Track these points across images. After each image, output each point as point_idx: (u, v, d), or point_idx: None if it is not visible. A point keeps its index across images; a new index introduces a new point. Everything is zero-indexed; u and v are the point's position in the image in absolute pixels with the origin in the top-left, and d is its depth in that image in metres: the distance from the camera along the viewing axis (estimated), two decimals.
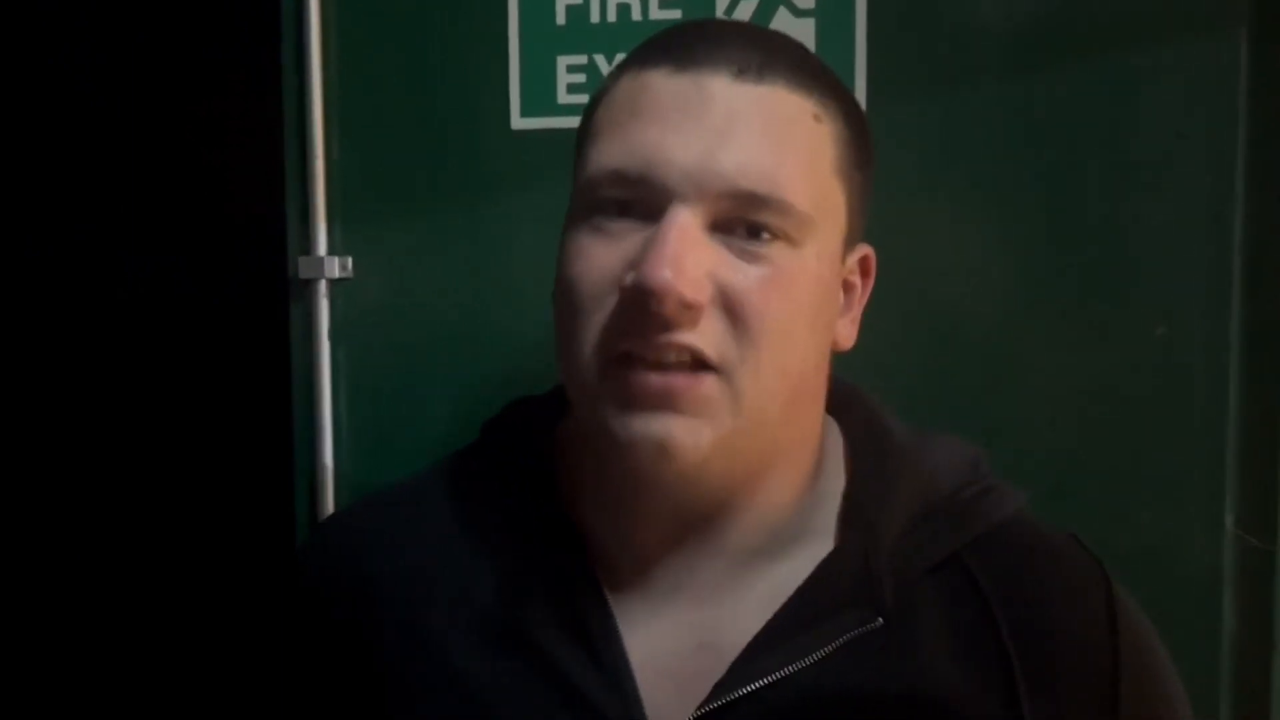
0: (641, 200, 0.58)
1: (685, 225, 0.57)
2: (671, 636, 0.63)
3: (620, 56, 0.97)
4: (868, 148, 0.66)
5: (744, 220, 0.58)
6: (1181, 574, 0.88)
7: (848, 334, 0.67)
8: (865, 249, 0.68)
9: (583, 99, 0.97)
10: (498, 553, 0.66)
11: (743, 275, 0.58)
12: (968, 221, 0.92)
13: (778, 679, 0.59)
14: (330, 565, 0.71)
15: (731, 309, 0.57)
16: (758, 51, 0.60)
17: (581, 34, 0.97)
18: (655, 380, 0.57)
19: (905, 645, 0.61)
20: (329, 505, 1.04)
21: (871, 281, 0.69)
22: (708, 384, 0.57)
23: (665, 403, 0.57)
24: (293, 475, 1.07)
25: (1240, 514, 0.88)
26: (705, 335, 0.57)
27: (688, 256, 0.56)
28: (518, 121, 0.99)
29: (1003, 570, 0.64)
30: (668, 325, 0.56)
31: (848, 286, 0.66)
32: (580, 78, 0.97)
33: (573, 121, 0.99)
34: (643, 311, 0.56)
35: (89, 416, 1.86)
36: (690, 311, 0.56)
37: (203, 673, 1.80)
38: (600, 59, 0.97)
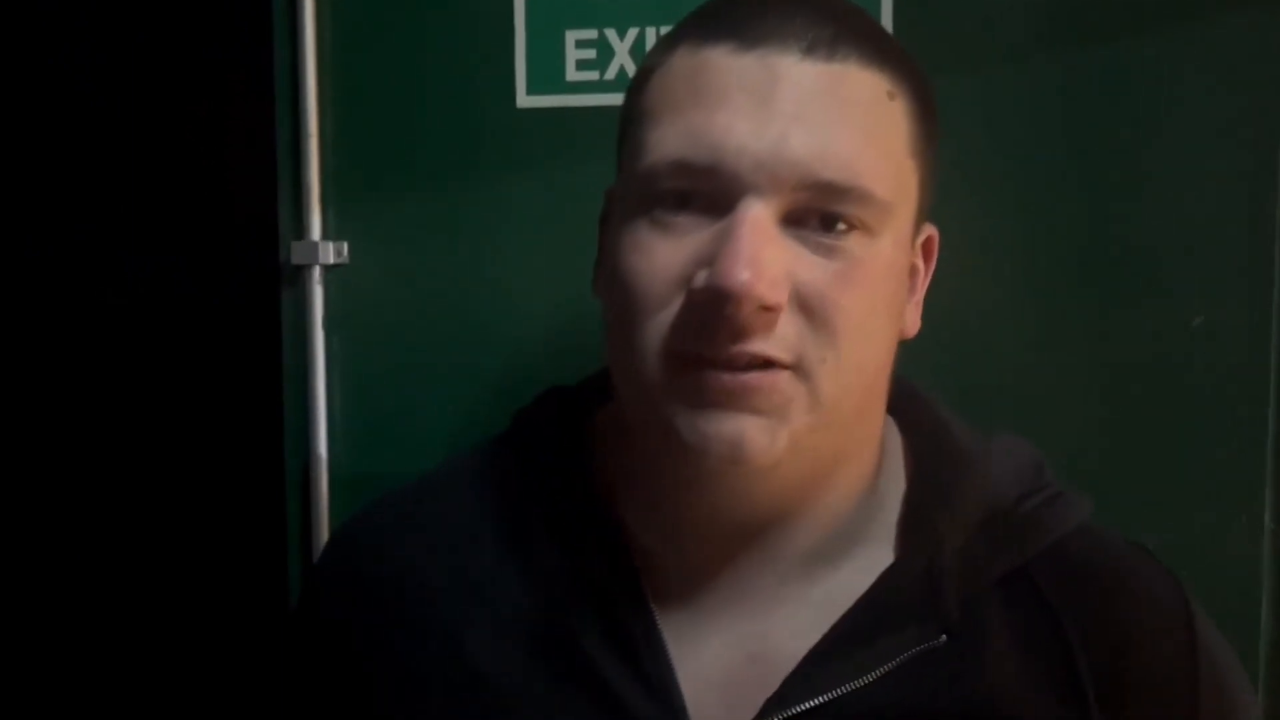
0: (708, 192, 0.54)
1: (759, 220, 0.53)
2: (720, 646, 0.59)
3: (633, 32, 0.96)
4: (936, 120, 0.62)
5: (820, 211, 0.54)
6: (1219, 571, 0.86)
7: (913, 320, 0.63)
8: (930, 230, 0.64)
9: (593, 76, 0.94)
10: (531, 553, 0.62)
11: (820, 271, 0.54)
12: (1002, 208, 0.89)
13: (833, 697, 0.56)
14: (353, 566, 0.68)
15: (808, 307, 0.54)
16: (827, 24, 0.56)
17: (591, 7, 0.93)
18: (728, 379, 0.53)
19: (970, 663, 0.57)
20: (322, 499, 1.01)
21: (934, 264, 0.65)
22: (784, 380, 0.54)
23: (739, 402, 0.53)
24: (284, 468, 1.03)
25: (1278, 510, 0.86)
26: (781, 340, 0.53)
27: (765, 255, 0.52)
28: (523, 99, 0.95)
29: (1071, 584, 0.61)
30: (742, 330, 0.52)
31: (912, 270, 0.63)
32: (590, 53, 0.93)
33: (582, 100, 0.97)
34: (716, 315, 0.52)
35: (79, 410, 1.85)
36: (768, 315, 0.53)
37: (190, 669, 1.78)
38: (611, 34, 0.93)
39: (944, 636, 0.57)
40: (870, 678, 0.56)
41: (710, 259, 0.53)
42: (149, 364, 1.82)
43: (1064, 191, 0.88)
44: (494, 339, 0.98)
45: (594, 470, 0.65)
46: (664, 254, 0.55)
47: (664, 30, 0.93)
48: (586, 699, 0.57)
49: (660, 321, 0.55)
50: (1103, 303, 0.88)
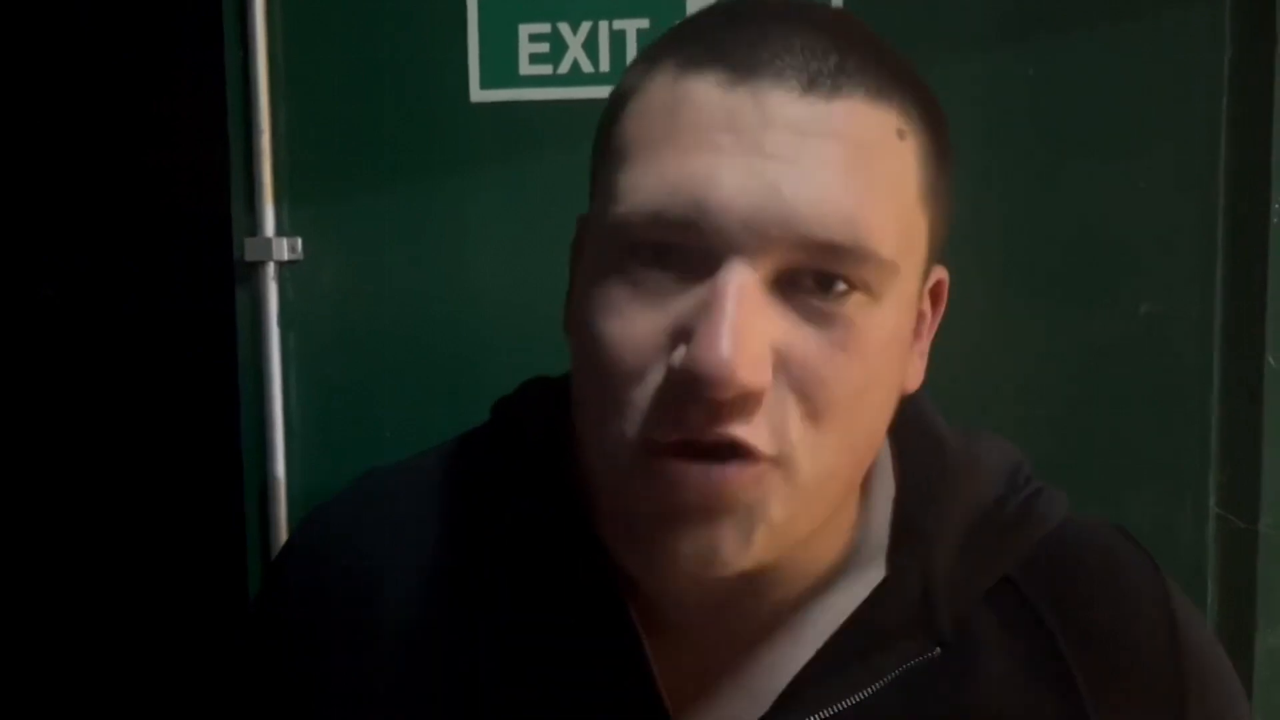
0: (687, 250, 0.48)
1: (745, 288, 0.46)
2: (710, 677, 0.57)
3: (585, 25, 0.95)
4: (949, 154, 0.55)
5: (815, 271, 0.48)
6: (1165, 554, 0.86)
7: (916, 371, 0.57)
8: (939, 273, 0.58)
9: (546, 70, 0.94)
10: (510, 564, 0.59)
11: (813, 343, 0.48)
12: (955, 200, 0.89)
13: (827, 716, 0.54)
14: (312, 569, 0.65)
15: (796, 383, 0.48)
16: (831, 52, 0.49)
17: (544, 0, 0.93)
18: (700, 475, 0.47)
19: (964, 673, 0.55)
20: (280, 501, 1.00)
21: (943, 307, 0.59)
22: (761, 472, 0.48)
23: (711, 508, 0.48)
24: (241, 465, 1.02)
25: (1223, 494, 0.88)
26: (763, 425, 0.48)
27: (750, 330, 0.46)
28: (477, 94, 0.94)
29: (1053, 583, 0.59)
30: (723, 414, 0.47)
31: (919, 316, 0.56)
32: (543, 47, 0.93)
33: (535, 94, 0.97)
34: (695, 399, 0.47)
35: (35, 409, 1.82)
36: (751, 398, 0.47)
37: (144, 673, 1.76)
38: (564, 27, 0.93)
39: (938, 649, 0.55)
40: (864, 694, 0.54)
41: (689, 331, 0.47)
42: (103, 362, 1.79)
43: (1009, 180, 0.89)
44: (450, 333, 0.97)
45: (580, 478, 0.59)
46: (640, 321, 0.49)
47: (617, 25, 0.94)
48: (564, 714, 0.55)
49: (635, 402, 0.49)
50: (1051, 291, 0.89)
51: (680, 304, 0.48)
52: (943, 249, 0.56)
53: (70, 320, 1.81)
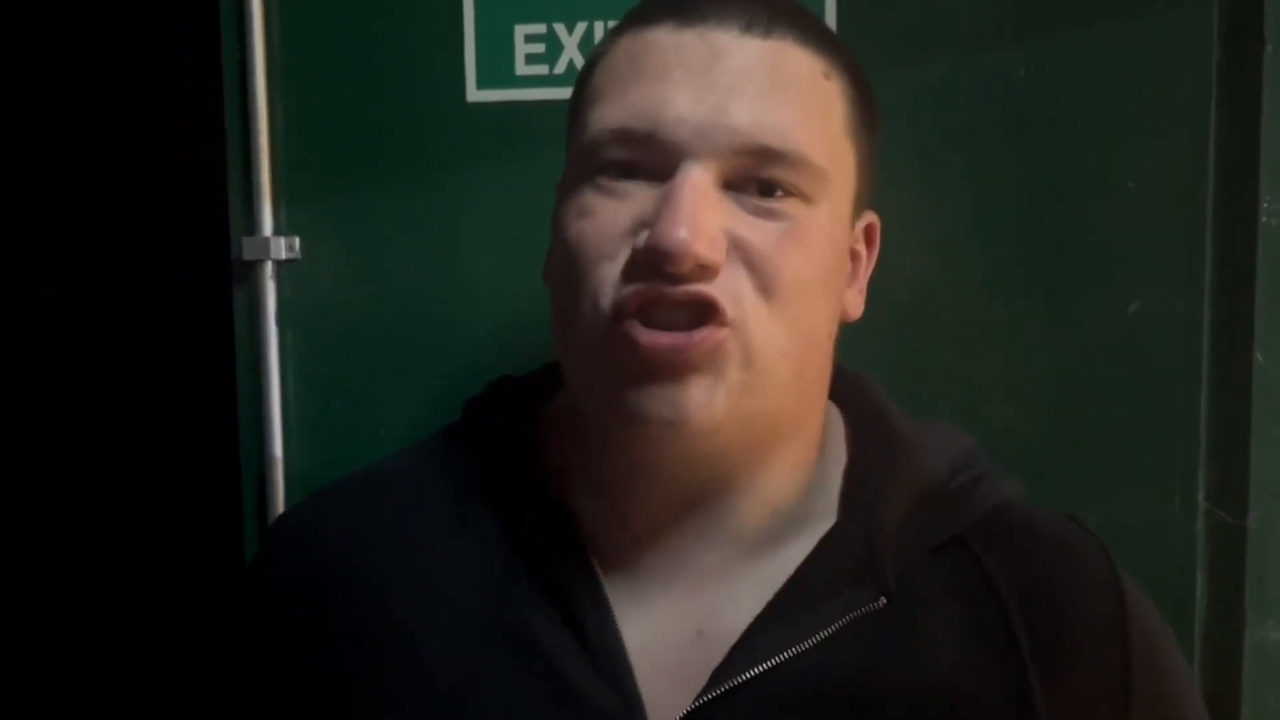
0: (649, 160, 0.56)
1: (698, 182, 0.55)
2: (668, 625, 0.60)
3: (581, 25, 0.96)
4: (874, 109, 0.64)
5: (757, 177, 0.56)
6: (1154, 549, 0.88)
7: (855, 303, 0.65)
8: (870, 216, 0.66)
9: (542, 70, 0.95)
10: (480, 540, 0.63)
11: (760, 231, 0.56)
12: (936, 197, 0.90)
13: (779, 663, 0.57)
14: (294, 558, 0.67)
15: (747, 260, 0.56)
16: (763, 7, 0.58)
17: (540, 1, 0.93)
18: (663, 339, 0.54)
19: (910, 627, 0.59)
20: (278, 498, 1.00)
21: (876, 251, 0.67)
22: (720, 335, 0.55)
23: (676, 366, 0.55)
24: (239, 467, 1.02)
25: (1212, 489, 0.88)
26: (722, 288, 0.55)
27: (703, 214, 0.54)
28: (473, 94, 0.95)
29: (1006, 551, 0.63)
30: (685, 282, 0.54)
31: (854, 255, 0.65)
32: (539, 48, 0.94)
33: (532, 94, 0.97)
34: (657, 273, 0.54)
35: (31, 408, 1.82)
36: (707, 271, 0.54)
37: (142, 671, 1.76)
38: (560, 28, 0.93)
39: (883, 600, 0.59)
40: (812, 641, 0.57)
41: (652, 220, 0.55)
42: (102, 361, 1.79)
43: (1004, 182, 0.89)
44: (448, 332, 0.98)
45: (544, 459, 0.65)
46: (607, 214, 0.57)
47: (612, 24, 0.94)
48: (537, 683, 0.58)
49: (604, 277, 0.56)
50: (1041, 290, 0.89)
51: (643, 200, 0.56)
52: (871, 194, 0.64)
53: (70, 319, 1.81)
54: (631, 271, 0.56)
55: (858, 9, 0.90)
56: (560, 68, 0.94)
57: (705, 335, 0.55)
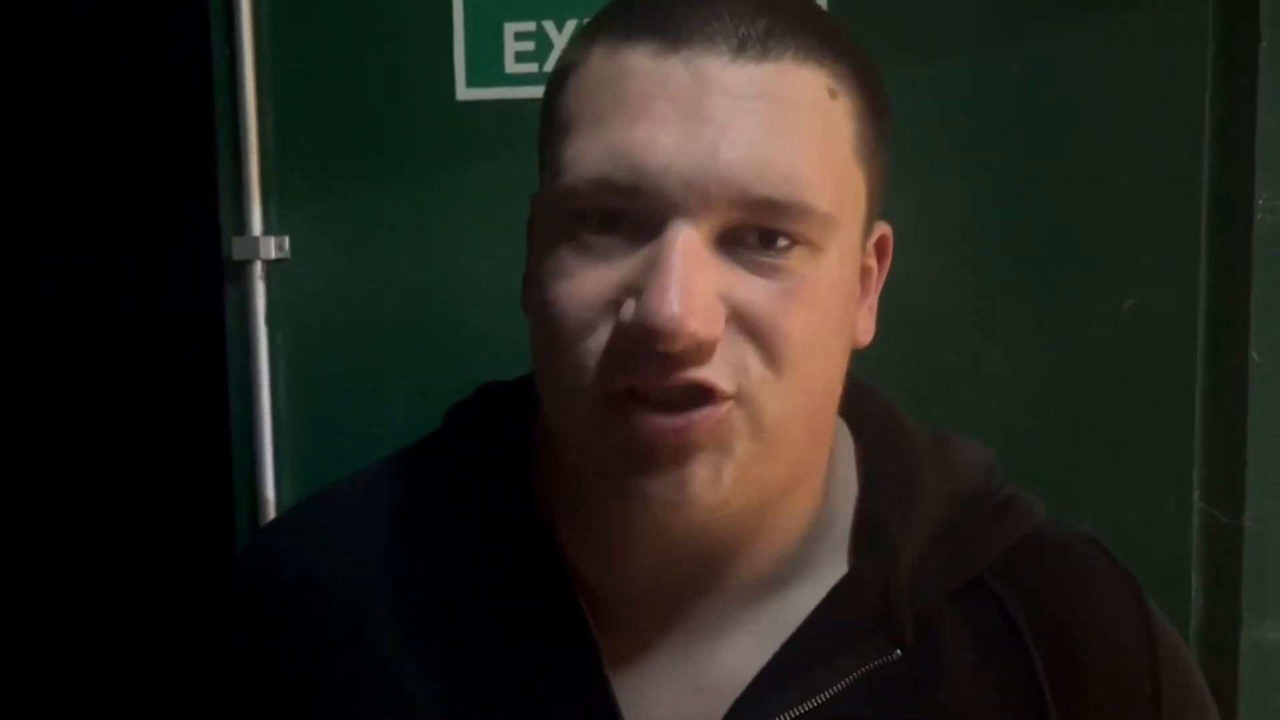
0: (634, 212, 0.49)
1: (689, 244, 0.48)
2: (664, 676, 0.56)
3: (572, 24, 0.96)
4: (887, 114, 0.56)
5: (758, 228, 0.49)
6: (1149, 548, 0.87)
7: (866, 326, 0.59)
8: (883, 228, 0.59)
9: (532, 68, 0.94)
10: (461, 567, 0.59)
11: (761, 292, 0.49)
12: (932, 196, 0.90)
13: None
14: (270, 576, 0.64)
15: (749, 329, 0.49)
16: (759, 16, 0.50)
17: None
18: (663, 423, 0.49)
19: (926, 677, 0.55)
20: (269, 500, 1.00)
21: (889, 261, 0.60)
22: (725, 411, 0.49)
23: (678, 448, 0.49)
24: (230, 468, 1.02)
25: (1207, 488, 0.88)
26: (720, 366, 0.49)
27: (696, 283, 0.47)
28: (463, 92, 0.95)
29: (1028, 590, 0.58)
30: (678, 364, 0.48)
31: (864, 271, 0.58)
32: (529, 45, 0.93)
33: (521, 92, 0.97)
34: (647, 352, 0.48)
35: (21, 406, 1.82)
36: (704, 348, 0.48)
37: (137, 669, 1.76)
38: (550, 25, 0.93)
39: (898, 652, 0.55)
40: (823, 697, 0.54)
41: (639, 287, 0.48)
42: (92, 360, 1.80)
43: (998, 180, 0.89)
44: (438, 331, 0.97)
45: (533, 478, 0.60)
46: (589, 279, 0.50)
47: None
48: None
49: (587, 354, 0.50)
50: (1036, 288, 0.89)
51: (628, 264, 0.49)
52: (883, 204, 0.58)
53: (68, 319, 1.81)
54: (619, 348, 0.49)
55: (850, 6, 0.89)
56: (550, 66, 0.93)
57: (707, 414, 0.49)
